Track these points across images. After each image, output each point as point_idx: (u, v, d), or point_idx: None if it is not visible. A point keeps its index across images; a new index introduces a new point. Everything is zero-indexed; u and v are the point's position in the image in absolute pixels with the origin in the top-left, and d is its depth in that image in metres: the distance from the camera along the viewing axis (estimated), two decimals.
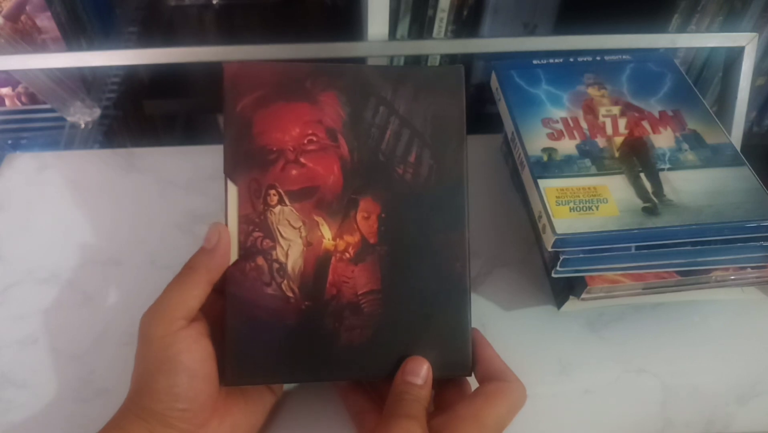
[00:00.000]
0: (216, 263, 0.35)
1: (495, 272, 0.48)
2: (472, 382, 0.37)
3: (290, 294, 0.36)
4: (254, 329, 0.35)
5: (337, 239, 0.36)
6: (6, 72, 0.66)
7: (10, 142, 0.70)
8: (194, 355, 0.33)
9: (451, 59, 0.77)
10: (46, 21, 0.65)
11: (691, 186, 0.42)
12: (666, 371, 0.42)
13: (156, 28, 0.85)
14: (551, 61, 0.52)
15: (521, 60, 0.52)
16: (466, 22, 0.72)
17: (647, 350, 0.44)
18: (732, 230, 0.40)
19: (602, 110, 0.48)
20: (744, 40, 0.57)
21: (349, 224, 0.37)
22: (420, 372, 0.35)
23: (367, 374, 0.37)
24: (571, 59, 0.52)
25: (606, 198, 0.41)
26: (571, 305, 0.43)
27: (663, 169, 0.43)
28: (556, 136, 0.46)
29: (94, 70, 0.73)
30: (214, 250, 0.35)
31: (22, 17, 0.64)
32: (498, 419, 0.33)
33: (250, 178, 0.36)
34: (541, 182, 0.43)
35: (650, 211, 0.41)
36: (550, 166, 0.44)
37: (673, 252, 0.40)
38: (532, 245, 0.49)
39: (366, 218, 0.37)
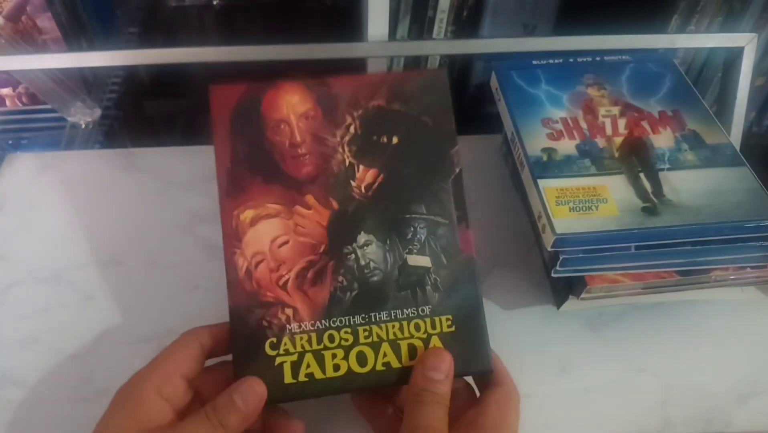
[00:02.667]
0: (243, 426, 0.32)
1: (495, 272, 0.48)
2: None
3: None
4: None
5: None
6: (6, 72, 0.66)
7: (10, 142, 0.70)
8: None
9: (451, 59, 0.77)
10: (46, 21, 0.65)
11: (691, 186, 0.42)
12: (666, 371, 0.43)
13: (156, 28, 0.85)
14: (551, 61, 0.52)
15: (521, 60, 0.52)
16: (466, 22, 0.72)
17: (647, 350, 0.44)
18: (731, 229, 0.40)
19: (602, 110, 0.48)
20: (743, 41, 0.57)
21: None
22: (441, 367, 0.34)
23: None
24: (571, 59, 0.52)
25: (606, 198, 0.41)
26: (571, 304, 0.43)
27: (662, 169, 0.43)
28: (556, 136, 0.46)
29: (95, 71, 0.73)
30: (250, 414, 0.32)
31: (23, 18, 0.64)
32: (514, 428, 0.33)
33: None
34: (541, 182, 0.43)
35: (650, 211, 0.41)
36: (549, 166, 0.44)
37: (673, 252, 0.40)
38: (532, 245, 0.49)
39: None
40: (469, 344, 0.37)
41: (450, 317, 0.37)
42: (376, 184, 0.38)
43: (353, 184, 0.38)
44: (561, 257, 0.40)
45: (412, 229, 0.38)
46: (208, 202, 0.52)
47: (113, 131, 0.73)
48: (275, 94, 0.40)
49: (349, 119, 0.39)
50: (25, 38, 0.65)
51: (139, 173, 0.55)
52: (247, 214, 0.37)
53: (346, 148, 0.39)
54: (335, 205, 0.38)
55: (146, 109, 0.88)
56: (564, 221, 0.40)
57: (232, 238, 0.37)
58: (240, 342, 0.36)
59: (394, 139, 0.39)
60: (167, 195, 0.53)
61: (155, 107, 0.88)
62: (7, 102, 0.70)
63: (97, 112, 0.70)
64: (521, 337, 0.44)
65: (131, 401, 0.32)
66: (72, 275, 0.47)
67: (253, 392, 0.33)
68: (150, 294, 0.46)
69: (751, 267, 0.41)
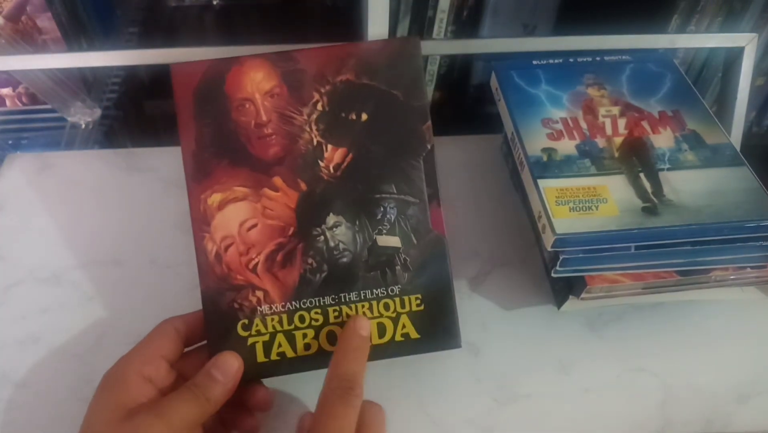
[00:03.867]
0: (225, 398, 0.34)
1: (495, 272, 0.48)
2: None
3: None
4: None
5: None
6: (7, 72, 0.66)
7: (10, 142, 0.70)
8: None
9: (451, 59, 0.77)
10: (46, 21, 0.65)
11: (691, 186, 0.42)
12: (666, 371, 0.43)
13: (156, 28, 0.85)
14: (551, 61, 0.52)
15: (521, 60, 0.52)
16: (466, 22, 0.72)
17: (647, 350, 0.44)
18: (731, 229, 0.40)
19: (602, 110, 0.48)
20: (743, 41, 0.57)
21: None
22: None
23: None
24: (571, 59, 0.52)
25: (606, 198, 0.41)
26: (571, 304, 0.43)
27: (662, 169, 0.43)
28: (556, 136, 0.46)
29: (95, 71, 0.73)
30: (230, 385, 0.34)
31: (23, 18, 0.64)
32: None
33: None
34: (541, 182, 0.43)
35: (650, 211, 0.41)
36: (549, 166, 0.44)
37: (673, 252, 0.40)
38: (532, 245, 0.49)
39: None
40: (438, 322, 0.37)
41: (419, 296, 0.37)
42: (345, 163, 0.38)
43: (321, 164, 0.38)
44: (561, 257, 0.40)
45: (381, 209, 0.38)
46: None
47: (113, 131, 0.73)
48: (239, 72, 0.39)
49: (316, 96, 0.38)
50: (25, 38, 0.65)
51: (139, 173, 0.55)
52: (215, 198, 0.37)
53: (314, 127, 0.38)
54: (303, 186, 0.38)
55: (146, 109, 0.88)
56: (564, 221, 0.40)
57: (201, 222, 0.37)
58: (213, 325, 0.36)
59: (363, 116, 0.38)
60: (167, 195, 0.53)
61: (155, 107, 0.88)
62: (7, 102, 0.70)
63: (97, 112, 0.70)
64: (521, 337, 0.44)
65: (116, 384, 0.33)
66: (72, 275, 0.47)
67: (229, 365, 0.34)
68: (150, 294, 0.46)
69: (751, 267, 0.41)
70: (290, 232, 0.37)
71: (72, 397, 0.40)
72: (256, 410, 0.36)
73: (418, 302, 0.37)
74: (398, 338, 0.37)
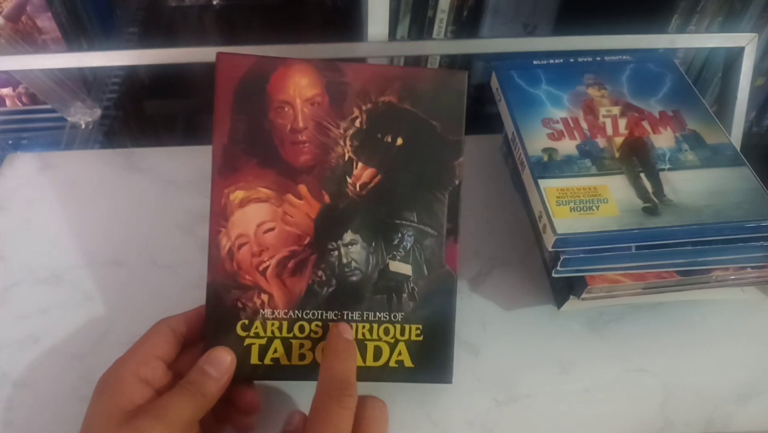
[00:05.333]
0: (220, 392, 0.34)
1: (495, 272, 0.48)
2: None
3: None
4: None
5: None
6: (6, 72, 0.66)
7: (10, 142, 0.70)
8: None
9: (451, 59, 0.77)
10: (46, 21, 0.65)
11: (691, 186, 0.42)
12: (666, 371, 0.43)
13: (156, 28, 0.85)
14: (551, 61, 0.52)
15: (521, 60, 0.52)
16: (466, 22, 0.72)
17: (647, 350, 0.44)
18: (732, 229, 0.40)
19: (602, 110, 0.48)
20: (744, 41, 0.57)
21: None
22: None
23: None
24: (571, 60, 0.52)
25: (606, 198, 0.41)
26: (572, 304, 0.43)
27: (663, 170, 0.43)
28: (557, 136, 0.46)
29: (95, 71, 0.73)
30: (224, 380, 0.34)
31: (23, 18, 0.64)
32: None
33: None
34: (542, 182, 0.43)
35: (650, 211, 0.41)
36: (550, 166, 0.44)
37: (673, 252, 0.40)
38: (532, 244, 0.49)
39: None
40: (433, 355, 0.38)
41: (420, 326, 0.38)
42: (372, 184, 0.38)
43: (349, 180, 0.38)
44: (562, 257, 0.40)
45: (399, 235, 0.38)
46: (209, 203, 0.51)
47: (113, 131, 0.73)
48: (284, 73, 0.38)
49: (356, 112, 0.38)
50: (25, 38, 0.65)
51: (139, 173, 0.55)
52: (237, 195, 0.37)
53: (348, 142, 0.38)
54: (327, 199, 0.38)
55: (146, 109, 0.88)
56: (565, 221, 0.40)
57: (219, 216, 0.37)
58: (213, 319, 0.36)
59: (399, 140, 0.38)
60: (167, 195, 0.53)
61: (155, 107, 0.89)
62: (7, 102, 0.70)
63: (97, 112, 0.70)
64: (521, 337, 0.44)
65: (112, 387, 0.33)
66: (72, 275, 0.47)
67: (222, 359, 0.35)
68: (150, 294, 0.46)
69: (752, 267, 0.41)
70: (306, 241, 0.37)
71: (72, 397, 0.40)
72: (243, 412, 0.36)
73: (418, 332, 0.38)
74: (392, 364, 0.37)
